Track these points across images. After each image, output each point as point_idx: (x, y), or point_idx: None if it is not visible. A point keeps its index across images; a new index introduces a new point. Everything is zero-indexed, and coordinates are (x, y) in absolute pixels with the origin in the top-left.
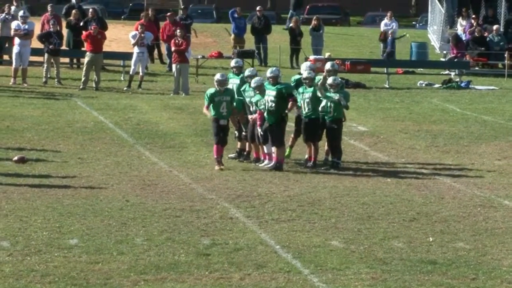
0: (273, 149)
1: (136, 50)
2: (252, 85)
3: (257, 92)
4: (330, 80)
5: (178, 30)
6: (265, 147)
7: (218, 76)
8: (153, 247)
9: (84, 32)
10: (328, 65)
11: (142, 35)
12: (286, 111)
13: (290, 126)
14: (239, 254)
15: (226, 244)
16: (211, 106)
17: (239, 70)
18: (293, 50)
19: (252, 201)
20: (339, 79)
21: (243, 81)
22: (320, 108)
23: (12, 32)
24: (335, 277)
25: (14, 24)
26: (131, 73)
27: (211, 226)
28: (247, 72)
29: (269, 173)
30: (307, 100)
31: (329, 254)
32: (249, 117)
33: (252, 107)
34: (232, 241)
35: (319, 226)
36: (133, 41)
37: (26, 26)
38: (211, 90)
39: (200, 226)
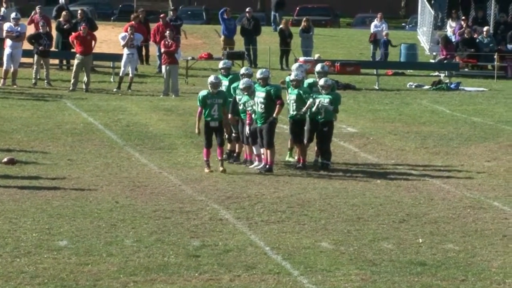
0: (263, 150)
1: (126, 51)
2: (241, 86)
3: (245, 93)
4: (321, 81)
5: (167, 32)
6: (254, 149)
7: (211, 78)
8: (142, 248)
9: (73, 34)
10: (318, 67)
11: (132, 36)
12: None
13: (281, 128)
14: (228, 256)
15: (215, 246)
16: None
17: (227, 71)
18: (283, 51)
19: (242, 203)
20: (330, 81)
21: (232, 82)
22: (313, 108)
23: (4, 34)
24: (325, 278)
25: (6, 26)
26: (121, 74)
27: (201, 227)
28: (243, 70)
29: (258, 175)
30: (293, 101)
31: (319, 255)
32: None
33: (241, 106)
34: (222, 243)
35: (308, 228)
36: (122, 43)
37: (19, 28)
38: (204, 92)
39: (190, 227)
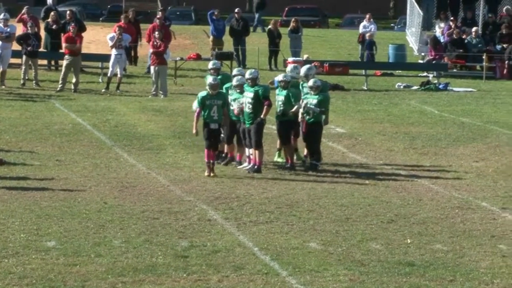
0: (251, 151)
1: (114, 52)
2: (234, 83)
3: (238, 90)
4: (310, 82)
5: (156, 32)
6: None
7: (210, 80)
8: (131, 249)
9: (63, 35)
10: (302, 71)
11: (120, 37)
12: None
13: (269, 128)
14: (217, 256)
15: (204, 246)
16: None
17: (216, 72)
18: (271, 52)
19: (230, 203)
20: (320, 82)
21: (221, 83)
22: (301, 110)
23: None
24: (313, 279)
25: None
26: (109, 75)
27: (189, 228)
28: (235, 71)
29: (247, 175)
30: (280, 102)
31: (307, 256)
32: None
33: (231, 106)
34: (210, 243)
35: (297, 228)
36: (111, 43)
37: (8, 29)
38: (203, 93)
39: (178, 228)
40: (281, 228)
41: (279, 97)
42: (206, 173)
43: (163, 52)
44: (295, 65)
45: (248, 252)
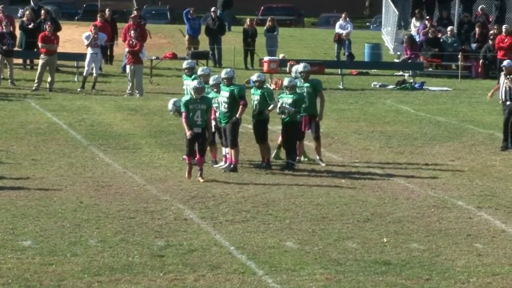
0: (227, 150)
1: (89, 51)
2: (211, 82)
3: (215, 90)
4: (285, 81)
5: (132, 31)
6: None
7: (195, 83)
8: (107, 248)
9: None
10: (300, 67)
11: (96, 36)
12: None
13: (245, 127)
14: (193, 255)
15: (180, 246)
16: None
17: (191, 71)
18: (246, 51)
19: (207, 202)
20: (295, 81)
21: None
22: (278, 110)
23: None
24: (290, 278)
25: None
26: (84, 74)
27: (165, 227)
28: (199, 71)
29: (223, 174)
30: (256, 102)
31: (284, 255)
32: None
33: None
34: (187, 242)
35: (273, 227)
36: (86, 42)
37: None
38: (187, 97)
39: (155, 227)
40: (257, 227)
41: (254, 96)
42: (186, 175)
43: (138, 51)
44: (305, 65)
45: (225, 251)
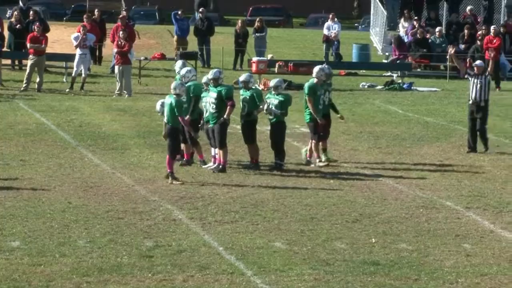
0: (216, 150)
1: (78, 51)
2: (203, 81)
3: (207, 89)
4: (272, 82)
5: (120, 32)
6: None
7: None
8: (95, 249)
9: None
10: (272, 83)
11: (84, 36)
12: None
13: (234, 128)
14: (182, 256)
15: (169, 246)
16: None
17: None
18: (237, 51)
19: (195, 203)
20: (282, 81)
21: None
22: (265, 111)
23: None
24: (278, 278)
25: None
26: (73, 74)
27: (154, 228)
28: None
29: (212, 175)
30: (245, 102)
31: (272, 255)
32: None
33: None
34: (175, 243)
35: (262, 228)
36: (75, 43)
37: None
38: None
39: (143, 228)
40: (246, 228)
41: (243, 97)
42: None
43: (127, 52)
44: (321, 67)
45: (213, 251)
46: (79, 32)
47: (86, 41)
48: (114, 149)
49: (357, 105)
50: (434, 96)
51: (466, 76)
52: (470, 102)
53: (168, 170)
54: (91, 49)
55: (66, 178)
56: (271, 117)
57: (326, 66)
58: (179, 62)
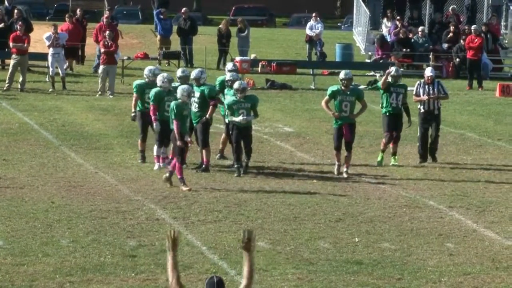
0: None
1: (51, 51)
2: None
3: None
4: (236, 85)
5: (107, 32)
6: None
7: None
8: (78, 248)
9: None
10: (236, 85)
11: (56, 35)
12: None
13: (216, 127)
14: (165, 256)
15: (152, 246)
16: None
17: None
18: (221, 51)
19: (179, 202)
20: (245, 84)
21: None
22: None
23: None
24: (262, 277)
25: None
26: (50, 74)
27: (137, 227)
28: (179, 72)
29: (195, 174)
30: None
31: (256, 255)
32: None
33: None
34: (159, 243)
35: (245, 227)
36: (48, 43)
37: None
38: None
39: (126, 227)
40: (229, 227)
41: (228, 96)
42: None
43: (114, 52)
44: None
45: (197, 251)
46: (62, 31)
47: (58, 40)
48: (97, 148)
49: None
50: None
51: (418, 85)
52: (422, 110)
53: (179, 176)
54: (73, 49)
55: (49, 177)
56: (243, 122)
57: (394, 67)
58: (185, 70)
